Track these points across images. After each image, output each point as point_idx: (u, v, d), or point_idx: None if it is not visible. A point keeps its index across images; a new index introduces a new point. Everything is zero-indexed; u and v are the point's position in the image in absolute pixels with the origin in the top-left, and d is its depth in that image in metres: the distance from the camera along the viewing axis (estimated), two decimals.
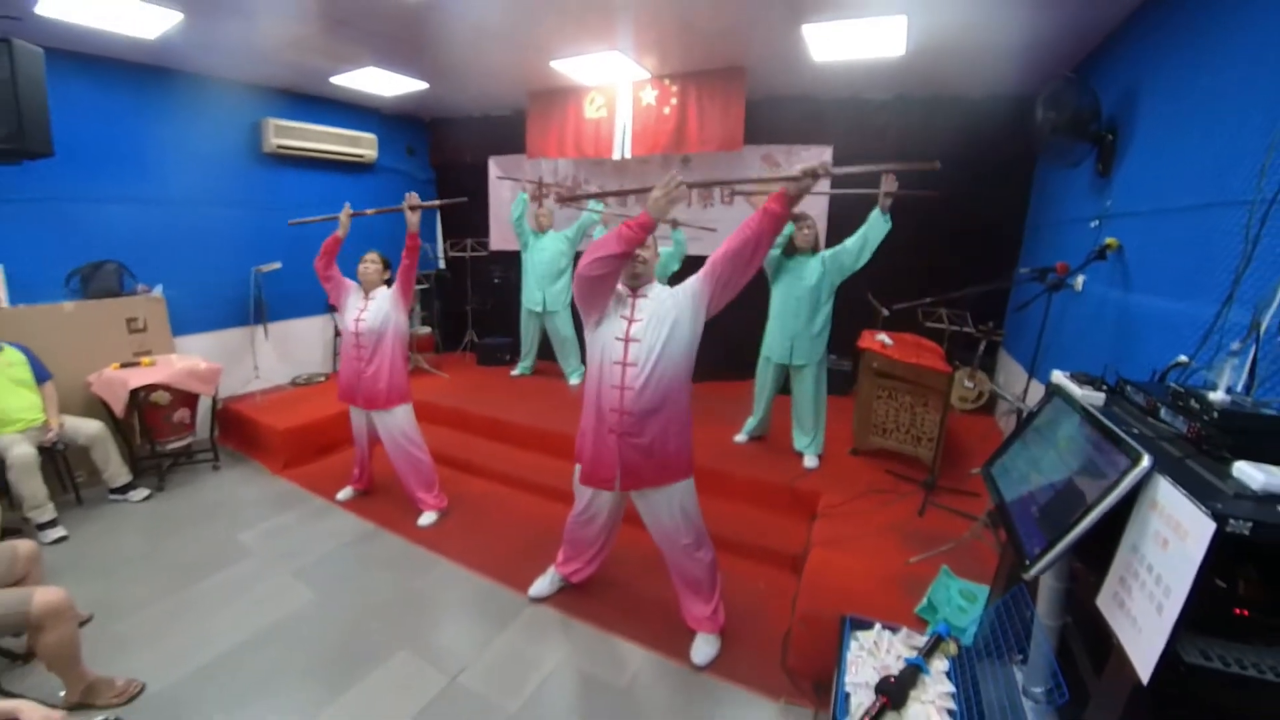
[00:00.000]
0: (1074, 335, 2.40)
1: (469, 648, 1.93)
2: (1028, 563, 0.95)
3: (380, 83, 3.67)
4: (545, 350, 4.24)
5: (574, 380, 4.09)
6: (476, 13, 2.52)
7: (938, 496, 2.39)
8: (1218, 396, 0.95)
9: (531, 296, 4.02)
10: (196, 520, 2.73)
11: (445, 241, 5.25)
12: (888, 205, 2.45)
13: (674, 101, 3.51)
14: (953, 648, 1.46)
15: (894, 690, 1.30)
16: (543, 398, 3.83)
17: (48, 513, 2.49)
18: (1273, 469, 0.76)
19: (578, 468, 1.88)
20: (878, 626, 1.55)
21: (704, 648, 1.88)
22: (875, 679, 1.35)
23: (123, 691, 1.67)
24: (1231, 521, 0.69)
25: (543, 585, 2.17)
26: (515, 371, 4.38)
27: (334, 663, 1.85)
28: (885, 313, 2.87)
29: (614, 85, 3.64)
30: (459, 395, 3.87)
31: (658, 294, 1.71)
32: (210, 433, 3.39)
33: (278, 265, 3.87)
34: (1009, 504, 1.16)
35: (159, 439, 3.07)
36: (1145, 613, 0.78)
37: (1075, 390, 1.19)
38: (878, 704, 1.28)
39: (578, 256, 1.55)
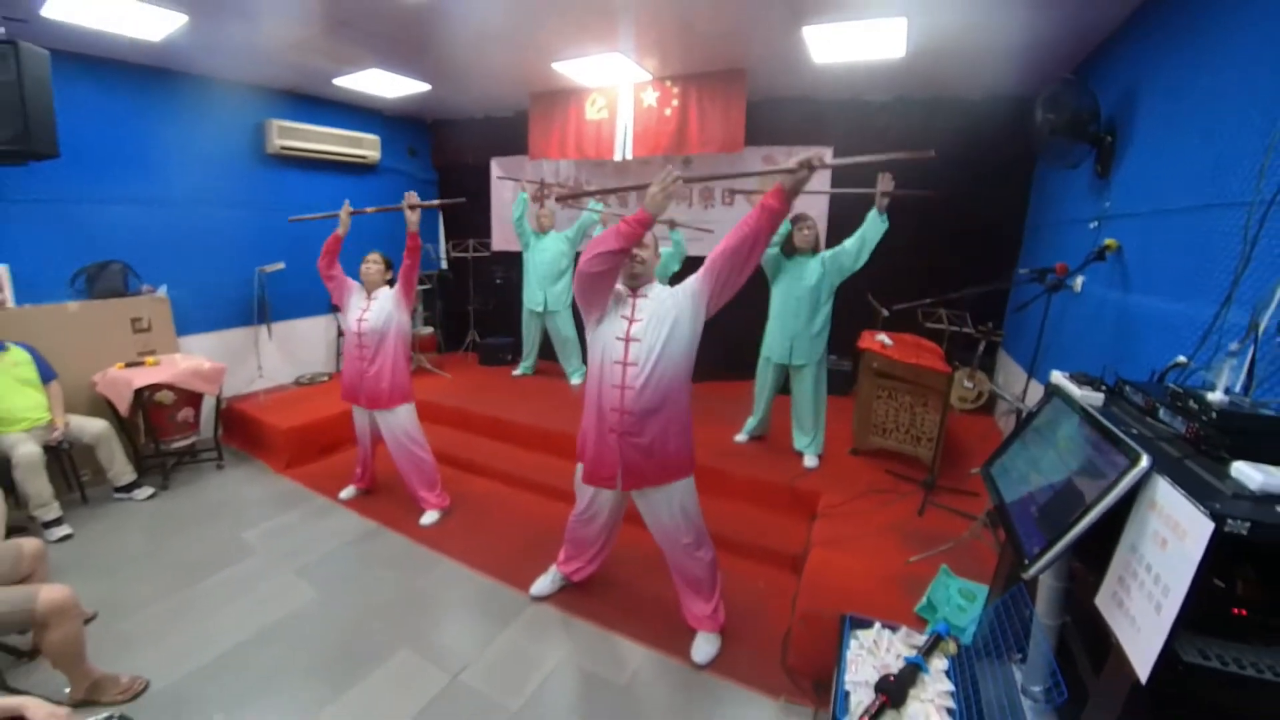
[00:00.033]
0: (1073, 336, 2.41)
1: (470, 646, 1.94)
2: (1027, 562, 0.96)
3: (383, 84, 3.69)
4: (547, 350, 4.25)
5: (575, 380, 4.10)
6: (479, 15, 2.54)
7: (937, 496, 2.39)
8: (1216, 397, 0.96)
9: (533, 297, 4.03)
10: (200, 519, 2.75)
11: (448, 242, 5.27)
12: (884, 205, 2.45)
13: (675, 103, 3.52)
14: (952, 647, 1.47)
15: (893, 689, 1.31)
16: (544, 397, 3.84)
17: (53, 511, 2.50)
18: (1271, 469, 0.77)
19: (579, 467, 1.89)
20: (877, 625, 1.55)
21: (704, 646, 1.88)
22: (875, 678, 1.36)
23: (127, 689, 1.68)
24: (1230, 521, 0.69)
25: (544, 584, 2.18)
26: (517, 371, 4.39)
27: (336, 661, 1.86)
28: (885, 313, 2.88)
29: (615, 87, 3.65)
30: (461, 395, 3.89)
31: (658, 294, 1.72)
32: (214, 432, 3.40)
33: (281, 265, 3.89)
34: (1008, 504, 1.16)
35: (163, 438, 3.08)
36: (1144, 612, 0.78)
37: (1074, 390, 1.19)
38: (877, 702, 1.29)
39: (578, 256, 1.56)
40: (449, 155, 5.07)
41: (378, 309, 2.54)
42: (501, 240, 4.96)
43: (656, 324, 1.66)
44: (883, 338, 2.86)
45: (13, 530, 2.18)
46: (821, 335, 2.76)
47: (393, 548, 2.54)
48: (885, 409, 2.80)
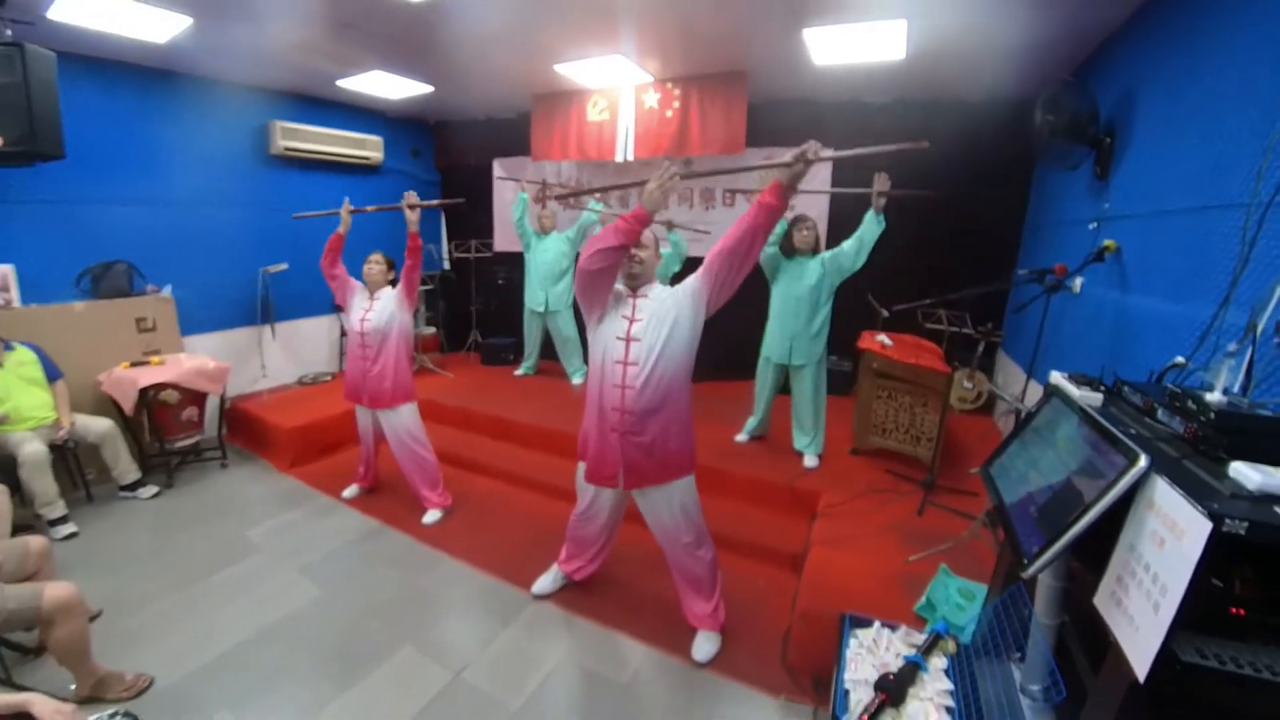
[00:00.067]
0: (1072, 336, 2.41)
1: (472, 644, 1.95)
2: (1026, 562, 0.96)
3: (386, 86, 3.70)
4: (548, 350, 4.26)
5: (576, 380, 4.11)
6: (481, 17, 2.55)
7: (937, 496, 2.39)
8: (1214, 397, 0.96)
9: (534, 297, 4.05)
10: (204, 517, 2.76)
11: (450, 243, 5.28)
12: (881, 205, 2.46)
13: (676, 105, 3.53)
14: (951, 646, 1.48)
15: (893, 687, 1.31)
16: (546, 397, 3.85)
17: (58, 509, 2.52)
18: (1269, 469, 0.77)
19: (581, 466, 1.90)
20: (877, 624, 1.56)
21: (705, 645, 1.89)
22: (874, 676, 1.36)
23: (132, 686, 1.69)
24: (1227, 521, 0.70)
25: (545, 583, 2.19)
26: (519, 371, 4.41)
27: (339, 658, 1.87)
28: (885, 314, 2.89)
29: (617, 88, 3.66)
30: (463, 394, 3.90)
31: (658, 294, 1.73)
32: (218, 431, 3.42)
33: (285, 266, 3.91)
34: (1007, 503, 1.17)
35: (168, 437, 3.10)
36: (1142, 611, 0.79)
37: (1073, 391, 1.20)
38: (877, 701, 1.29)
39: (579, 256, 1.56)
40: (451, 156, 5.08)
41: (380, 309, 2.55)
42: (504, 241, 4.97)
43: (657, 324, 1.67)
44: (883, 338, 2.87)
45: (19, 528, 2.19)
46: (821, 336, 2.76)
47: (395, 546, 2.55)
48: (885, 409, 2.80)
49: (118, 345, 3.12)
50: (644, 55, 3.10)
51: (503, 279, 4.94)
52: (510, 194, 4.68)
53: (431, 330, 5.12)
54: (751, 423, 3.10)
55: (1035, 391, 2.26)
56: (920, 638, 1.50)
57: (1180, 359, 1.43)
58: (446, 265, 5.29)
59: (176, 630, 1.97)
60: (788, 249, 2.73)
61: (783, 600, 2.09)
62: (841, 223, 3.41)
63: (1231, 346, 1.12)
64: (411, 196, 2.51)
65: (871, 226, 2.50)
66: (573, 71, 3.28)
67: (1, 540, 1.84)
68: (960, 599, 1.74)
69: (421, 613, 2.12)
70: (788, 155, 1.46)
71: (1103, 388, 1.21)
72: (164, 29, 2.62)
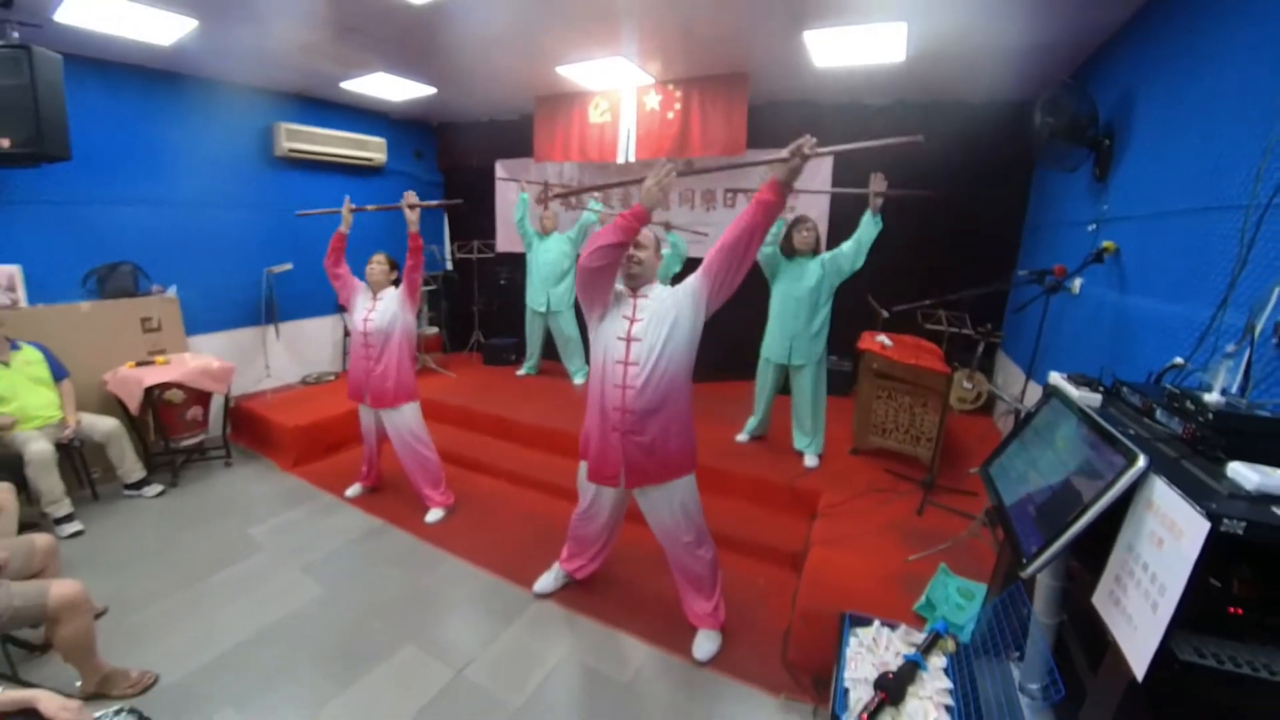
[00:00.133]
0: (1071, 337, 2.41)
1: (474, 643, 1.96)
2: (1025, 561, 0.97)
3: (389, 88, 3.72)
4: (550, 350, 4.27)
5: (578, 380, 4.12)
6: (484, 20, 2.56)
7: (936, 496, 2.40)
8: (1213, 398, 0.97)
9: (536, 297, 4.06)
10: (209, 516, 2.78)
11: (453, 243, 5.30)
12: (878, 206, 2.47)
13: (677, 106, 3.54)
14: (951, 645, 1.48)
15: (892, 686, 1.32)
16: (547, 397, 3.87)
17: (64, 508, 2.54)
18: (1267, 469, 0.78)
19: (583, 465, 1.91)
20: (877, 623, 1.57)
21: (705, 644, 1.90)
22: (874, 675, 1.37)
23: (137, 682, 1.70)
24: (1226, 521, 0.70)
25: (547, 581, 2.20)
26: (521, 371, 4.42)
27: (341, 656, 1.88)
28: (885, 314, 2.89)
29: (618, 90, 3.67)
30: (465, 394, 3.91)
31: (658, 294, 1.74)
32: (222, 430, 3.44)
33: (289, 266, 3.92)
34: (1007, 503, 1.17)
35: (173, 436, 3.12)
36: (1140, 611, 0.79)
37: (1072, 391, 1.21)
38: (876, 699, 1.30)
39: (580, 256, 1.58)
40: (454, 158, 5.10)
41: (383, 309, 2.57)
42: (506, 241, 4.99)
43: (657, 324, 1.68)
44: (883, 339, 2.88)
45: (25, 526, 2.20)
46: (820, 336, 2.77)
47: (398, 545, 2.56)
48: (885, 409, 2.81)
49: (123, 345, 3.14)
50: (645, 57, 3.11)
51: (505, 279, 4.95)
52: (513, 195, 4.70)
53: (434, 330, 5.13)
54: (752, 423, 3.11)
55: (1034, 392, 2.26)
56: (920, 637, 1.50)
57: (1179, 360, 1.43)
58: (449, 266, 5.31)
59: (180, 628, 1.98)
60: (788, 250, 2.74)
61: (783, 599, 2.10)
62: (842, 223, 3.42)
63: (1230, 347, 1.12)
64: (411, 196, 2.52)
65: (869, 227, 2.50)
66: (575, 73, 3.29)
67: (8, 538, 1.85)
68: (960, 598, 1.74)
69: (423, 611, 2.13)
70: (785, 151, 1.47)
71: (1102, 388, 1.22)
72: (169, 31, 2.64)
